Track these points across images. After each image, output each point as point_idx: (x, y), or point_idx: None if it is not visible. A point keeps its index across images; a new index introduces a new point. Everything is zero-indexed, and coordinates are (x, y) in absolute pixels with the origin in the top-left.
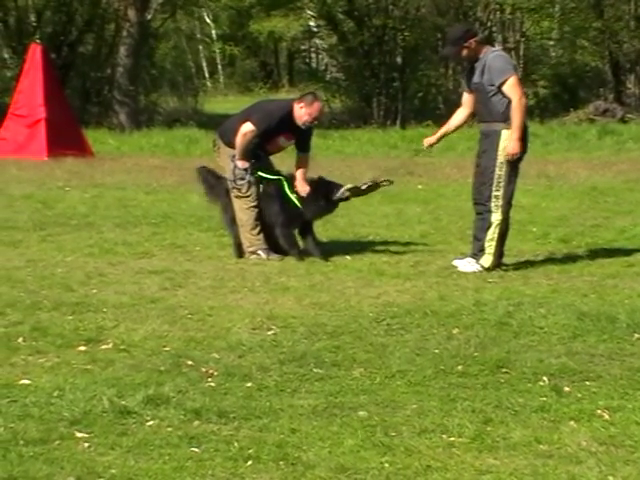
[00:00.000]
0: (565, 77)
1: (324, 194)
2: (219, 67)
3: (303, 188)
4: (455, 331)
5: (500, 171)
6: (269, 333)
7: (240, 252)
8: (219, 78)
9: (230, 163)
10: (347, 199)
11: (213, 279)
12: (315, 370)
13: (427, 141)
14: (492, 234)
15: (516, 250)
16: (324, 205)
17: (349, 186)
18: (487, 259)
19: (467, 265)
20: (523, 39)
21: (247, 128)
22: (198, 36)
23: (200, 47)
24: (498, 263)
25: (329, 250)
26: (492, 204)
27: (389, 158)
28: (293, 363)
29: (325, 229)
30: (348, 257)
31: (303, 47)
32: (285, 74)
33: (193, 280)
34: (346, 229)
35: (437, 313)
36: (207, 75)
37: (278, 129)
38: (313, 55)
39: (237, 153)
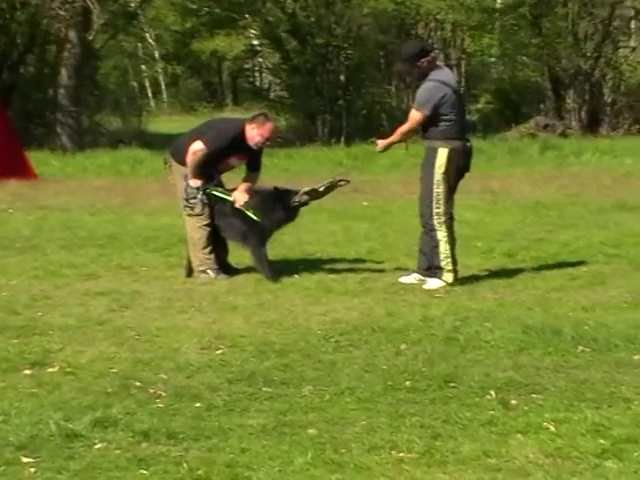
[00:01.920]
0: (507, 93)
1: (282, 203)
2: (162, 87)
3: (240, 197)
4: (403, 347)
5: (438, 189)
6: (217, 353)
7: (189, 272)
8: (163, 98)
9: (182, 182)
10: (306, 203)
11: (160, 299)
12: (264, 389)
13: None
14: (444, 251)
15: (461, 265)
16: (283, 214)
17: (306, 189)
18: (448, 276)
19: (433, 283)
20: (464, 56)
21: (197, 147)
22: (141, 56)
23: (143, 67)
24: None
25: (277, 268)
26: (435, 222)
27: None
28: (242, 382)
29: (272, 247)
30: (296, 275)
31: (246, 66)
32: (229, 93)
33: (140, 301)
34: (294, 247)
35: (385, 329)
36: (151, 95)
37: (230, 149)
38: (257, 74)
39: (189, 172)
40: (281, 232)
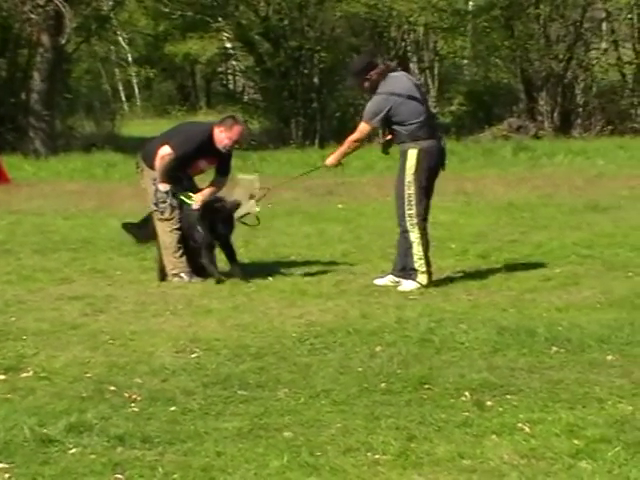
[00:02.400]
0: (480, 95)
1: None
2: (136, 90)
3: (201, 198)
4: (378, 349)
5: (409, 190)
6: (192, 356)
7: (162, 275)
8: (136, 101)
9: (152, 186)
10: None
11: (135, 303)
12: (239, 392)
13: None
14: (418, 253)
15: (436, 267)
16: (228, 219)
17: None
18: (422, 277)
19: (407, 285)
20: (437, 58)
21: (165, 151)
22: (113, 59)
23: (116, 70)
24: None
25: (251, 271)
26: (407, 223)
27: (308, 178)
28: (217, 386)
29: (247, 250)
30: (270, 278)
31: (220, 69)
32: (203, 96)
33: (114, 305)
34: (268, 250)
35: (360, 331)
36: (124, 99)
37: (198, 153)
38: (230, 77)
39: (158, 176)
40: (254, 234)
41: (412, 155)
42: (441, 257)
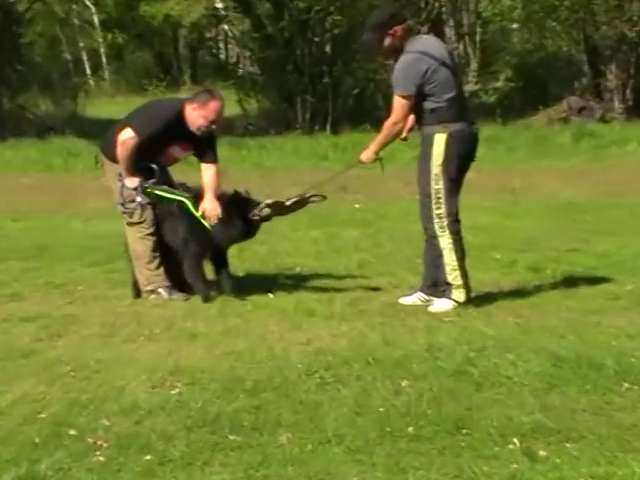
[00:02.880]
0: (532, 68)
1: (240, 213)
2: (103, 61)
3: (213, 208)
4: (404, 383)
5: (437, 185)
6: (173, 392)
7: (136, 291)
8: (104, 75)
9: (117, 182)
10: (268, 218)
11: (101, 326)
12: (231, 437)
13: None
14: (451, 262)
15: (476, 281)
16: (242, 228)
17: (269, 201)
18: (458, 293)
19: (440, 304)
20: (479, 21)
21: (126, 135)
22: (76, 22)
23: (79, 36)
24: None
25: (246, 286)
26: (436, 226)
27: (318, 171)
28: (203, 429)
29: (241, 260)
30: (270, 294)
31: (209, 35)
32: (187, 68)
33: (76, 328)
34: (267, 259)
35: (381, 361)
36: (89, 71)
37: (168, 137)
38: (221, 45)
39: (122, 168)
40: (253, 241)
41: (439, 141)
42: (483, 269)
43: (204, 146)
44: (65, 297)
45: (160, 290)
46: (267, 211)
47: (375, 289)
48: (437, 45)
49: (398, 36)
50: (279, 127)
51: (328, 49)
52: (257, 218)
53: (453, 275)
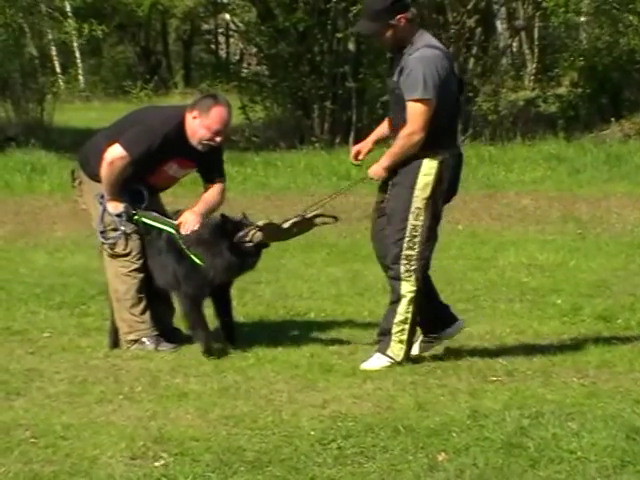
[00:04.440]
0: (604, 71)
1: (230, 241)
2: (77, 57)
3: (191, 220)
4: (441, 458)
5: (416, 220)
6: (157, 464)
7: (115, 340)
8: (77, 74)
9: (97, 206)
10: (265, 245)
11: (70, 382)
12: None
13: (356, 151)
14: (405, 313)
15: (532, 332)
16: (232, 258)
17: (260, 223)
18: (398, 349)
19: (373, 360)
20: (539, 13)
21: (114, 154)
22: (43, 9)
23: (47, 27)
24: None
25: (248, 335)
26: (402, 268)
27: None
28: None
29: (242, 302)
30: (278, 347)
31: (206, 26)
32: (179, 68)
33: (39, 384)
34: (274, 302)
35: (414, 430)
36: (58, 69)
37: (165, 152)
38: (221, 39)
39: (105, 191)
40: (256, 279)
41: (429, 169)
42: (540, 318)
43: (208, 162)
44: (26, 346)
45: (145, 340)
46: (259, 235)
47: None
48: (442, 46)
49: (401, 27)
50: (291, 140)
51: (352, 46)
52: (248, 244)
53: (400, 328)
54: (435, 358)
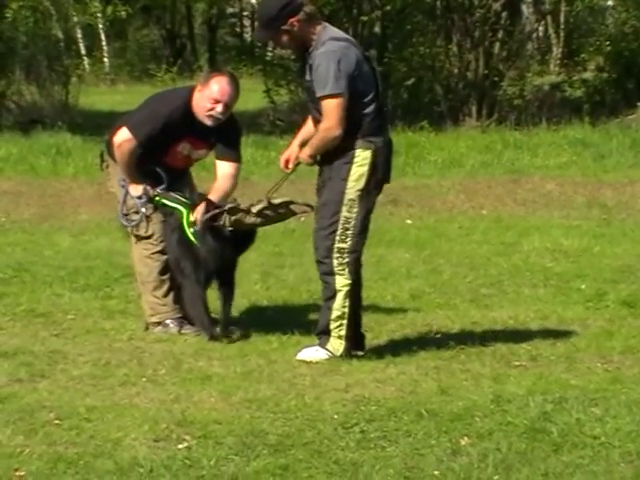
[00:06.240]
0: (631, 55)
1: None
2: (102, 40)
3: (200, 211)
4: (464, 442)
5: (349, 212)
6: (180, 447)
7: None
8: (102, 57)
9: (121, 190)
10: (241, 224)
11: (94, 364)
12: None
13: (285, 160)
14: (340, 308)
15: (556, 317)
16: (216, 241)
17: (230, 205)
18: (337, 344)
19: (311, 352)
20: None
21: (121, 137)
22: None
23: (72, 9)
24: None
25: (271, 319)
26: (335, 262)
27: None
28: None
29: (266, 285)
30: (302, 331)
31: (231, 10)
32: (204, 51)
33: (63, 366)
34: (298, 286)
35: (437, 414)
36: (84, 52)
37: (173, 132)
38: (246, 22)
39: (123, 174)
40: (280, 263)
41: (363, 159)
42: (564, 303)
43: (223, 140)
44: (50, 328)
45: (168, 322)
46: (228, 220)
47: (430, 324)
48: (346, 35)
49: (296, 30)
50: None
51: (377, 29)
52: (224, 226)
53: (338, 323)
54: (459, 343)
